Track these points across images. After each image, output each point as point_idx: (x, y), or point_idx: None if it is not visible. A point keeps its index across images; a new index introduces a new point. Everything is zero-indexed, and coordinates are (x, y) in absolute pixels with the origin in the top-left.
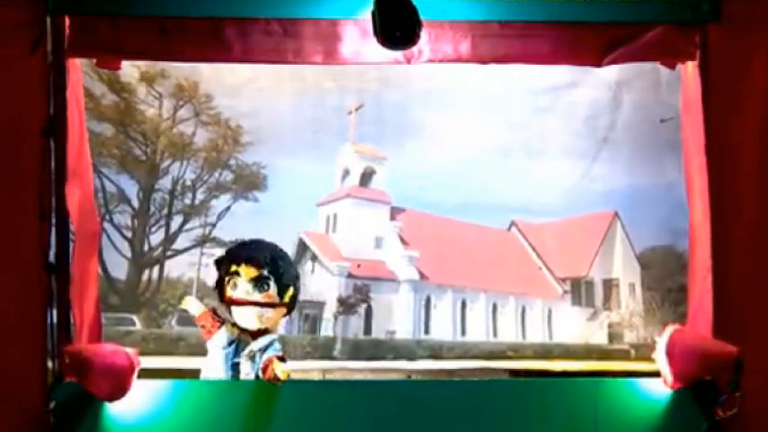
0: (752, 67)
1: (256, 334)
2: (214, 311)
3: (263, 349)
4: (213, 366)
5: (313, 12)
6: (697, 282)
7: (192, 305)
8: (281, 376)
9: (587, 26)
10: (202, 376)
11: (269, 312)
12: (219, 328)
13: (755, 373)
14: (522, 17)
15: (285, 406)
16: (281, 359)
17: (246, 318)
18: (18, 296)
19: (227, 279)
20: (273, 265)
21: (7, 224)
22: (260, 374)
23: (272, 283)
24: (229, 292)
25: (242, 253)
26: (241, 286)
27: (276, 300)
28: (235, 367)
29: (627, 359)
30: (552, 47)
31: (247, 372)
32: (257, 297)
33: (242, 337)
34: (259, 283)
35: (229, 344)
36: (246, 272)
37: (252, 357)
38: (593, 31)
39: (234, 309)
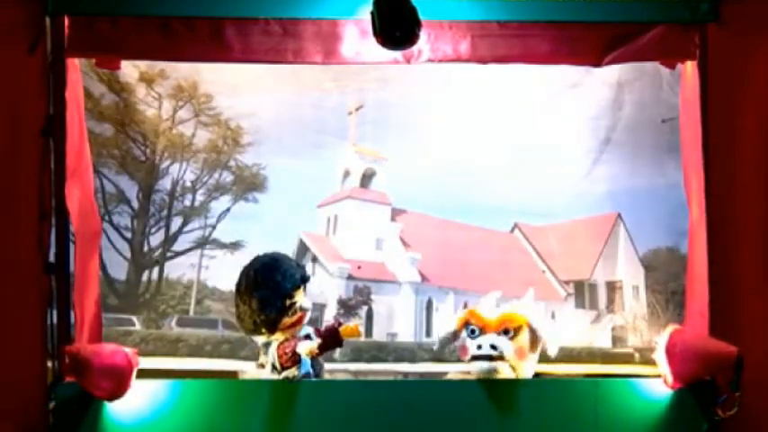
0: (751, 67)
1: None
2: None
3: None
4: None
5: (313, 12)
6: (695, 281)
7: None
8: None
9: (587, 26)
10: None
11: None
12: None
13: (755, 373)
14: (521, 17)
15: (285, 406)
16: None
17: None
18: (18, 296)
19: (288, 312)
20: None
21: (7, 224)
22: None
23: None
24: (289, 320)
25: (288, 284)
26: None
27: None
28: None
29: (631, 363)
30: (552, 47)
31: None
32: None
33: None
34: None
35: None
36: (299, 295)
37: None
38: (592, 30)
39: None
